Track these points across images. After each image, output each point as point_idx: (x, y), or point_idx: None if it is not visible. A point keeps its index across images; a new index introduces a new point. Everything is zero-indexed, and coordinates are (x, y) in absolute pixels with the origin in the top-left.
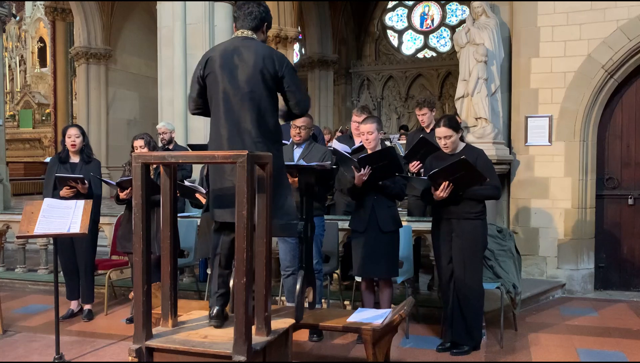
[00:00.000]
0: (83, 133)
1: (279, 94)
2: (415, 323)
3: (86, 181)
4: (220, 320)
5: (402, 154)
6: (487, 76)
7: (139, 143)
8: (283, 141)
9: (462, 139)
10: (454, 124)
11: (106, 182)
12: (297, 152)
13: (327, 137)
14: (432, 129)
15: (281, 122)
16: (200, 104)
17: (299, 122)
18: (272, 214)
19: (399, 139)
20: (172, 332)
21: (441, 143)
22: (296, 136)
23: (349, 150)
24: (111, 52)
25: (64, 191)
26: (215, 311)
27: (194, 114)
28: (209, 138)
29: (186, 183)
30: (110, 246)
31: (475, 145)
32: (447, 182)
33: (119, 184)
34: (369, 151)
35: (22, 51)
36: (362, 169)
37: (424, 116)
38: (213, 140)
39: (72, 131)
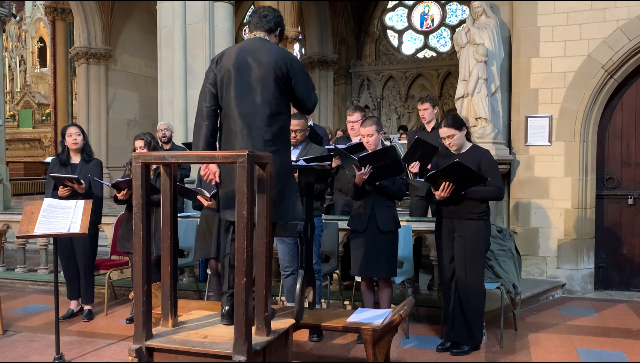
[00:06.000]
0: (83, 132)
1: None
2: (415, 323)
3: (82, 181)
4: (231, 319)
5: (402, 154)
6: (487, 76)
7: (138, 143)
8: None
9: (469, 139)
10: (456, 122)
11: (102, 183)
12: (294, 154)
13: None
14: (434, 128)
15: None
16: (215, 102)
17: (294, 125)
18: (281, 213)
19: (399, 139)
20: (172, 332)
21: (445, 143)
22: (292, 139)
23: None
24: (111, 52)
25: (61, 191)
26: (226, 310)
27: (211, 112)
28: (219, 136)
29: (188, 185)
30: (110, 246)
31: None
32: (446, 183)
33: (114, 186)
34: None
35: (22, 51)
36: (363, 168)
37: (425, 111)
38: (224, 139)
39: (73, 130)
